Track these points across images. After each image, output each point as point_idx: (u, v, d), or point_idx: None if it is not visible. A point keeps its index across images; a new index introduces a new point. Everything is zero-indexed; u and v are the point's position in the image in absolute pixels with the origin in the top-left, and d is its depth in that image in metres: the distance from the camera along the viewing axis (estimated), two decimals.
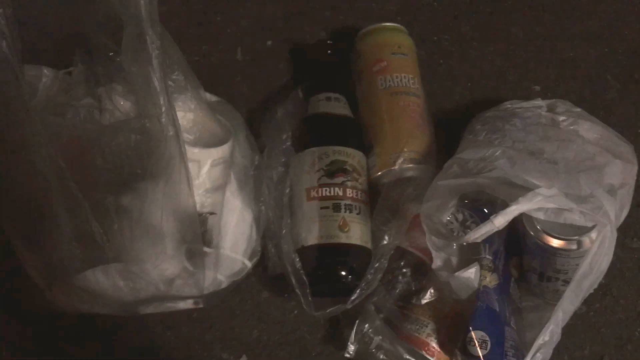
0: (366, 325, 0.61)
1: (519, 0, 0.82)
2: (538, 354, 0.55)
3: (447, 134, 0.72)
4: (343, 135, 0.68)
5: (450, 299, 0.60)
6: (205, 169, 0.57)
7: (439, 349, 0.60)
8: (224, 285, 0.61)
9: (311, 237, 0.63)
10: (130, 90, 0.54)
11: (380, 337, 0.61)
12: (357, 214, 0.64)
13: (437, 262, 0.58)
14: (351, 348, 0.62)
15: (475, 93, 0.78)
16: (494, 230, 0.52)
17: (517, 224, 0.60)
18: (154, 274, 0.54)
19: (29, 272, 0.58)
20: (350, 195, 0.64)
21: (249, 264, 0.63)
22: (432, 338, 0.60)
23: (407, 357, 0.60)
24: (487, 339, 0.56)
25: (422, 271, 0.63)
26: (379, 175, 0.67)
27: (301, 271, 0.61)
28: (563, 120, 0.65)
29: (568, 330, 0.59)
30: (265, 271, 0.67)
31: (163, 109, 0.48)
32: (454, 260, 0.60)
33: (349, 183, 0.65)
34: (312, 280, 0.61)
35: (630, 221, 0.67)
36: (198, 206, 0.55)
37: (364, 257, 0.63)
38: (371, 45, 0.73)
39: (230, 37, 0.82)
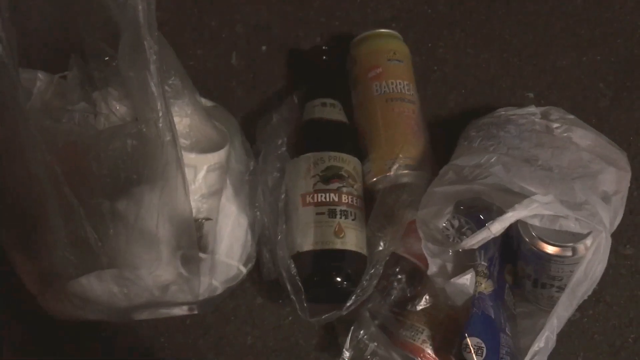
0: (361, 332, 0.61)
1: (513, 9, 0.83)
2: None
3: (442, 141, 0.72)
4: (339, 141, 0.68)
5: (445, 305, 0.61)
6: (201, 174, 0.57)
7: (434, 356, 0.60)
8: (219, 291, 0.61)
9: (306, 243, 0.63)
10: (126, 95, 0.54)
11: (376, 344, 0.61)
12: (353, 220, 0.64)
13: (432, 269, 0.59)
14: (346, 354, 0.62)
15: (470, 100, 0.78)
16: (491, 237, 0.52)
17: (511, 230, 0.60)
18: (148, 280, 0.54)
19: (21, 277, 0.57)
20: (346, 201, 0.64)
21: (244, 270, 0.63)
22: (427, 344, 0.60)
23: None
24: (483, 345, 0.56)
25: (417, 277, 0.63)
26: (374, 181, 0.67)
27: (296, 277, 0.61)
28: (557, 128, 0.66)
29: (562, 336, 0.59)
30: (259, 277, 0.67)
31: (160, 114, 0.48)
32: (449, 266, 0.60)
33: (344, 189, 0.65)
34: (307, 286, 0.61)
35: (623, 228, 0.67)
36: (194, 212, 0.55)
37: (360, 263, 0.63)
38: (366, 52, 0.73)
39: (225, 42, 0.81)
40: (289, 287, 0.61)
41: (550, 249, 0.56)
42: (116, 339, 0.65)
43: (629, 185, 0.65)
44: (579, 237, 0.55)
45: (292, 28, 0.82)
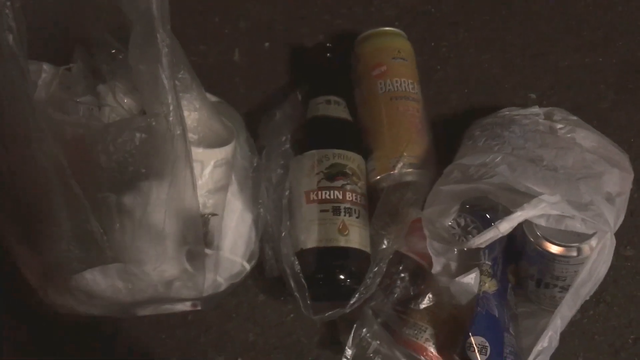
0: (364, 330, 0.61)
1: (515, 10, 0.83)
2: None
3: (444, 140, 0.72)
4: (343, 138, 0.68)
5: (449, 304, 0.61)
6: (208, 169, 0.57)
7: (437, 354, 0.60)
8: (222, 288, 0.61)
9: (310, 240, 0.62)
10: (132, 87, 0.54)
11: (378, 342, 0.61)
12: (357, 217, 0.64)
13: (436, 267, 0.59)
14: (349, 352, 0.61)
15: (472, 99, 0.78)
16: (499, 236, 0.52)
17: (515, 230, 0.60)
18: (153, 275, 0.54)
19: (23, 272, 0.57)
20: (350, 199, 0.64)
21: (247, 267, 0.62)
22: (430, 343, 0.60)
23: None
24: (487, 344, 0.56)
25: (420, 276, 0.63)
26: (378, 179, 0.67)
27: (300, 274, 0.60)
28: (560, 128, 0.66)
29: (562, 337, 0.59)
30: (261, 274, 0.66)
31: (171, 107, 0.47)
32: (453, 265, 0.60)
33: (348, 186, 0.64)
34: (311, 283, 0.61)
35: (624, 229, 0.67)
36: (200, 207, 0.55)
37: (363, 261, 0.63)
38: (371, 50, 0.73)
39: (228, 38, 0.81)
40: (292, 285, 0.60)
41: (555, 249, 0.56)
42: (117, 335, 0.65)
43: (630, 186, 0.65)
44: (583, 237, 0.56)
45: (295, 25, 0.82)
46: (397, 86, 0.70)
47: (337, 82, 0.73)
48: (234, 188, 0.61)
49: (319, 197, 0.64)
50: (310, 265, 0.62)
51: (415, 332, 0.60)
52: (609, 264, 0.57)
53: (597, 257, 0.54)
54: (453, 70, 0.80)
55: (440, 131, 0.74)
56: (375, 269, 0.62)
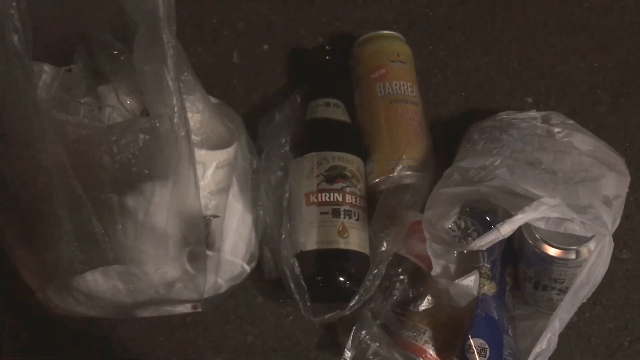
0: (363, 332, 0.61)
1: (512, 14, 0.83)
2: None
3: (442, 143, 0.73)
4: (343, 141, 0.68)
5: (447, 306, 0.61)
6: (210, 171, 0.57)
7: (436, 356, 0.60)
8: (223, 290, 0.61)
9: (310, 242, 0.63)
10: (135, 88, 0.53)
11: (377, 344, 0.61)
12: (356, 220, 0.64)
13: (436, 269, 0.59)
14: (348, 354, 0.62)
15: (470, 102, 0.79)
16: (500, 238, 0.53)
17: (514, 233, 0.60)
18: (154, 276, 0.54)
19: (22, 273, 0.56)
20: (350, 201, 0.64)
21: (247, 268, 0.62)
22: (429, 345, 0.60)
23: None
24: (486, 346, 0.56)
25: (419, 278, 0.64)
26: (377, 182, 0.67)
27: (300, 276, 0.61)
28: (558, 132, 0.67)
29: (559, 339, 0.60)
30: (260, 276, 0.66)
31: (175, 109, 0.47)
32: (452, 267, 0.60)
33: (348, 189, 0.65)
34: (310, 285, 0.61)
35: (619, 233, 0.67)
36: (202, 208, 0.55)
37: (363, 263, 0.63)
38: (370, 52, 0.73)
39: (226, 39, 0.81)
40: (292, 287, 0.61)
41: (553, 252, 0.57)
42: (115, 337, 0.65)
43: (627, 190, 0.66)
44: (582, 240, 0.56)
45: (293, 27, 0.82)
46: (396, 89, 0.70)
47: (337, 85, 0.73)
48: (234, 190, 0.61)
49: (319, 200, 0.64)
50: (309, 267, 0.62)
51: (415, 334, 0.61)
52: (606, 266, 0.57)
53: (596, 259, 0.55)
54: (451, 73, 0.80)
55: (438, 134, 0.74)
56: (375, 271, 0.62)
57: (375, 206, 0.67)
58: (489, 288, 0.59)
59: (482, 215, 0.61)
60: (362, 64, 0.73)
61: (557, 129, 0.67)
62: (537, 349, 0.55)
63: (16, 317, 0.64)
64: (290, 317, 0.66)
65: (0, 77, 0.44)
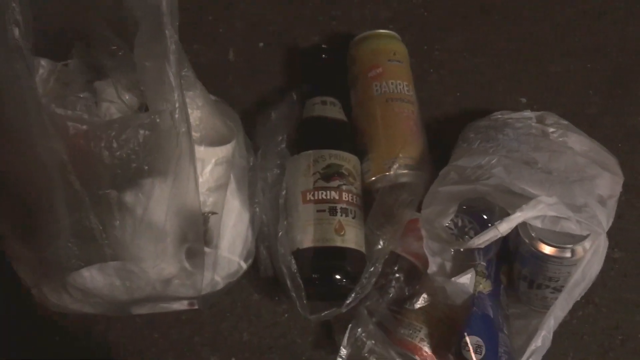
0: (359, 329, 0.61)
1: (507, 16, 0.84)
2: (531, 359, 0.55)
3: (437, 142, 0.73)
4: (339, 139, 0.68)
5: (443, 304, 0.61)
6: (209, 167, 0.57)
7: (431, 354, 0.60)
8: (220, 287, 0.60)
9: (307, 239, 0.63)
10: (133, 84, 0.53)
11: (373, 342, 0.61)
12: (353, 217, 0.64)
13: (432, 267, 0.59)
14: (344, 352, 0.62)
15: (465, 102, 0.79)
16: (498, 236, 0.53)
17: (509, 231, 0.61)
18: (152, 273, 0.53)
19: (17, 269, 0.56)
20: (346, 199, 0.64)
21: (244, 266, 0.62)
22: (425, 343, 0.60)
23: None
24: (482, 344, 0.56)
25: (415, 276, 0.64)
26: (373, 180, 0.67)
27: (297, 274, 0.61)
28: (553, 132, 0.67)
29: (553, 337, 0.60)
30: (256, 274, 0.66)
31: (177, 104, 0.47)
32: (448, 265, 0.61)
33: (344, 187, 0.65)
34: (307, 282, 0.61)
35: (612, 232, 0.68)
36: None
37: (359, 260, 0.63)
38: (367, 51, 0.73)
39: (222, 37, 0.81)
40: (289, 284, 0.61)
41: (549, 250, 0.57)
42: (110, 335, 0.64)
43: (621, 190, 0.66)
44: (577, 239, 0.57)
45: (289, 26, 0.82)
46: (392, 88, 0.70)
47: (333, 83, 0.73)
48: (232, 187, 0.61)
49: (316, 197, 0.64)
50: (306, 264, 0.62)
51: (410, 331, 0.61)
52: (601, 264, 0.58)
53: (591, 258, 0.55)
54: (446, 73, 0.81)
55: (433, 133, 0.74)
56: (371, 269, 0.62)
57: (372, 204, 0.67)
58: (485, 286, 0.60)
59: (479, 213, 0.61)
60: (359, 63, 0.73)
61: (551, 129, 0.67)
62: (532, 347, 0.55)
63: (9, 315, 0.63)
64: (286, 315, 0.66)
65: (0, 71, 0.44)
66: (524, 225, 0.58)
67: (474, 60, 0.82)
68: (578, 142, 0.67)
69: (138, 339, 0.65)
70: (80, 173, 0.48)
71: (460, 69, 0.81)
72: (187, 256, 0.55)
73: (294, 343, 0.66)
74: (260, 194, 0.65)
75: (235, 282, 0.64)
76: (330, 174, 0.65)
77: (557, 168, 0.61)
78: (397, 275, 0.64)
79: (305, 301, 0.61)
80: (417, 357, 0.60)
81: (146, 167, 0.49)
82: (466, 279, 0.57)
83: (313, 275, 0.62)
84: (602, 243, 0.55)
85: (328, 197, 0.64)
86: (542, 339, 0.56)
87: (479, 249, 0.59)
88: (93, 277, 0.53)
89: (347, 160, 0.67)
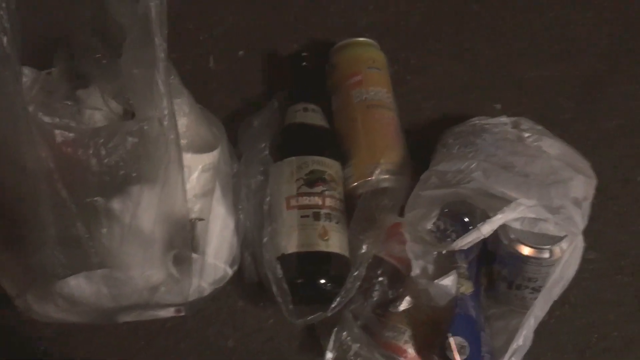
0: (344, 333, 0.62)
1: (481, 24, 0.86)
2: (513, 358, 0.57)
3: (416, 147, 0.74)
4: (322, 145, 0.69)
5: (426, 306, 0.62)
6: (195, 174, 0.57)
7: (416, 355, 0.61)
8: (206, 293, 0.61)
9: (291, 245, 0.63)
10: (116, 92, 0.53)
11: (359, 345, 0.62)
12: (337, 223, 0.65)
13: (415, 270, 0.60)
14: (329, 356, 0.62)
15: (442, 109, 0.81)
16: (481, 238, 0.54)
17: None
18: (139, 280, 0.53)
19: (0, 279, 0.55)
20: (330, 205, 0.65)
21: (230, 271, 0.63)
22: (410, 344, 0.61)
23: None
24: (466, 344, 0.58)
25: (398, 280, 0.65)
26: (356, 185, 0.68)
27: (282, 279, 0.61)
28: (528, 137, 0.69)
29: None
30: (241, 280, 0.67)
31: (166, 112, 0.47)
32: (430, 268, 0.62)
33: (327, 192, 0.66)
34: (292, 287, 0.62)
35: (586, 234, 0.70)
36: None
37: (344, 265, 0.64)
38: (347, 59, 0.74)
39: (202, 45, 0.81)
40: (275, 289, 0.61)
41: (528, 251, 0.59)
42: (94, 343, 0.64)
43: (594, 192, 0.68)
44: (554, 240, 0.58)
45: (269, 33, 0.83)
46: (372, 95, 0.72)
47: (314, 90, 0.74)
48: (217, 193, 0.62)
49: (300, 203, 0.65)
50: (291, 270, 0.62)
51: (395, 334, 0.62)
52: (577, 265, 0.60)
53: (569, 258, 0.57)
54: (423, 80, 0.82)
55: (412, 139, 0.76)
56: (356, 273, 0.63)
57: (354, 209, 0.68)
58: (467, 288, 0.61)
59: (461, 216, 0.62)
60: (339, 70, 0.74)
61: (526, 134, 0.69)
62: (514, 346, 0.57)
63: None
64: (271, 321, 0.67)
65: None
66: (503, 227, 0.59)
67: (450, 68, 0.84)
68: (552, 146, 0.68)
69: (123, 347, 0.64)
70: (67, 181, 0.48)
71: (437, 76, 0.83)
72: (174, 263, 0.55)
73: (280, 348, 0.66)
74: (244, 201, 0.65)
75: (221, 288, 0.64)
76: (314, 180, 0.66)
77: (533, 172, 0.63)
78: (380, 278, 0.65)
79: (291, 306, 0.61)
80: (402, 358, 0.61)
81: (134, 174, 0.49)
82: (449, 281, 0.58)
83: (298, 280, 0.62)
84: (579, 244, 0.57)
85: (312, 202, 0.65)
86: (523, 338, 0.57)
87: (460, 251, 0.60)
88: (80, 285, 0.52)
89: (330, 166, 0.67)
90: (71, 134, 0.47)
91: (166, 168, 0.49)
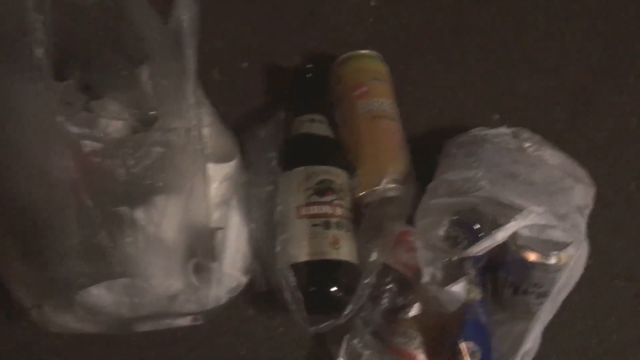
0: (355, 340, 0.63)
1: (474, 38, 0.88)
2: None
3: (416, 157, 0.76)
4: (329, 155, 0.70)
5: (435, 312, 0.63)
6: (215, 184, 0.58)
7: None
8: (223, 301, 0.61)
9: (302, 254, 0.64)
10: (132, 102, 0.54)
11: (370, 351, 0.63)
12: (346, 231, 0.66)
13: (426, 277, 0.61)
14: None
15: (441, 120, 0.82)
16: (495, 244, 0.56)
17: None
18: (160, 289, 0.54)
19: (16, 291, 0.55)
20: (339, 213, 0.66)
21: (244, 280, 0.63)
22: (420, 351, 0.62)
23: None
24: (477, 349, 0.59)
25: (406, 287, 0.66)
26: (363, 195, 0.70)
27: (296, 287, 0.62)
28: (528, 147, 0.71)
29: None
30: (250, 289, 0.67)
31: (194, 122, 0.48)
32: (440, 275, 0.63)
33: (336, 202, 0.67)
34: (305, 296, 0.62)
35: None
36: None
37: (354, 272, 0.65)
38: (351, 71, 0.76)
39: (206, 57, 0.82)
40: (288, 298, 0.62)
41: (536, 258, 0.60)
42: (106, 354, 0.64)
43: (593, 200, 0.71)
44: (561, 246, 0.60)
45: (271, 46, 0.84)
46: (377, 106, 0.73)
47: (319, 102, 0.75)
48: (232, 203, 0.62)
49: (310, 212, 0.65)
50: (303, 278, 0.63)
51: (406, 340, 0.63)
52: (581, 270, 0.62)
53: (575, 264, 0.59)
54: (422, 91, 0.84)
55: (413, 149, 0.77)
56: (366, 281, 0.64)
57: (361, 218, 0.69)
58: (476, 294, 0.62)
59: (470, 223, 0.64)
60: (344, 83, 0.75)
61: (527, 144, 0.71)
62: (524, 349, 0.58)
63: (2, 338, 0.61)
64: (281, 329, 0.67)
65: (21, 90, 0.44)
66: (511, 234, 0.61)
67: (447, 80, 0.85)
68: (552, 156, 0.71)
69: (135, 358, 0.64)
70: (92, 190, 0.48)
71: (435, 87, 0.85)
72: (195, 271, 0.55)
73: (290, 356, 0.67)
74: (254, 210, 0.66)
75: (235, 297, 0.65)
76: (324, 189, 0.67)
77: (536, 180, 0.65)
78: (389, 286, 0.66)
79: (304, 314, 0.62)
80: None
81: (160, 184, 0.49)
82: (459, 288, 0.60)
83: (311, 289, 0.63)
84: (584, 250, 0.59)
85: (322, 211, 0.66)
86: (532, 341, 0.59)
87: (469, 258, 0.62)
88: (101, 295, 0.53)
89: (338, 176, 0.69)
90: (99, 144, 0.47)
91: (193, 178, 0.50)
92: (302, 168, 0.68)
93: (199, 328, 0.66)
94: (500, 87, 0.86)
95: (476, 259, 0.63)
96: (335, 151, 0.71)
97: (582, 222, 0.61)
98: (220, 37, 0.84)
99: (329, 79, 0.78)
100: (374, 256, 0.65)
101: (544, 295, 0.63)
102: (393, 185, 0.69)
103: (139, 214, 0.50)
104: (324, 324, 0.63)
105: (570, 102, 0.85)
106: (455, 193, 0.61)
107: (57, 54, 0.55)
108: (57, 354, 0.63)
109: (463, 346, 0.59)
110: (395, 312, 0.65)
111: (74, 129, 0.46)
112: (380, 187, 0.69)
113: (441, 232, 0.60)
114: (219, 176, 0.58)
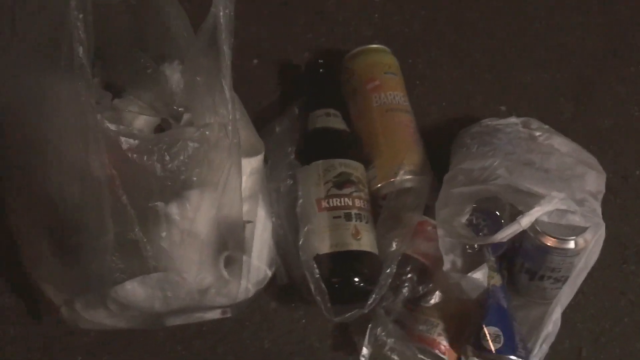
0: (379, 329, 0.64)
1: (478, 32, 0.90)
2: (544, 345, 0.60)
3: (430, 149, 0.77)
4: (346, 148, 0.71)
5: (456, 299, 0.65)
6: (244, 177, 0.58)
7: (449, 347, 0.64)
8: (251, 294, 0.62)
9: (324, 246, 0.65)
10: (156, 98, 0.54)
11: (393, 340, 0.64)
12: (366, 222, 0.67)
13: (447, 265, 0.63)
14: (365, 352, 0.64)
15: (450, 112, 0.84)
16: (520, 230, 0.57)
17: None
18: (192, 283, 0.54)
19: (45, 289, 0.56)
20: (359, 205, 0.67)
21: (270, 273, 0.64)
22: (443, 337, 0.64)
23: (420, 356, 0.63)
24: (500, 333, 0.60)
25: (426, 275, 0.67)
26: (380, 187, 0.71)
27: (320, 279, 0.63)
28: (539, 136, 0.73)
29: None
30: (272, 281, 0.68)
31: (230, 117, 0.49)
32: (460, 262, 0.64)
33: (355, 194, 0.68)
34: (329, 287, 0.63)
35: None
36: None
37: (376, 263, 0.66)
38: (364, 65, 0.77)
39: None
40: (313, 289, 0.63)
41: (554, 243, 0.62)
42: (131, 349, 0.64)
43: (604, 186, 0.72)
44: (579, 230, 0.62)
45: (281, 43, 0.85)
46: (390, 99, 0.74)
47: (333, 96, 0.76)
48: (259, 196, 0.63)
49: (330, 205, 0.66)
50: (326, 270, 0.64)
51: (428, 327, 0.64)
52: (598, 254, 0.63)
53: (593, 248, 0.60)
54: (430, 85, 0.86)
55: (424, 141, 0.78)
56: (388, 270, 0.65)
57: (378, 210, 0.70)
58: (496, 280, 0.64)
59: (491, 211, 0.65)
60: (357, 76, 0.76)
61: (537, 133, 0.73)
62: (545, 332, 0.60)
63: (28, 329, 0.62)
64: (303, 321, 0.68)
65: (60, 89, 0.44)
66: None
67: (454, 73, 0.87)
68: (562, 144, 0.72)
69: (161, 353, 0.65)
70: (127, 187, 0.49)
71: (442, 81, 0.86)
72: (225, 264, 0.56)
73: (313, 347, 0.68)
74: (274, 204, 0.67)
75: (262, 290, 0.65)
76: (342, 181, 0.68)
77: (551, 167, 0.66)
78: (409, 275, 0.67)
79: (329, 304, 0.63)
80: (436, 351, 0.63)
81: (195, 179, 0.50)
82: (480, 274, 0.61)
83: (334, 280, 0.64)
84: (602, 233, 0.60)
85: (342, 203, 0.67)
86: (553, 324, 0.60)
87: (490, 245, 0.63)
88: (134, 290, 0.53)
89: (355, 169, 0.70)
90: (136, 141, 0.48)
91: (228, 173, 0.51)
92: (320, 162, 0.69)
93: (223, 322, 0.67)
94: (505, 79, 0.88)
95: (495, 246, 0.64)
96: (351, 144, 0.73)
97: (598, 207, 0.62)
98: None
99: (339, 74, 0.79)
100: (393, 246, 0.66)
101: (560, 280, 0.65)
102: (409, 177, 0.70)
103: (173, 209, 0.51)
104: (348, 314, 0.64)
105: (574, 93, 0.87)
106: (474, 182, 0.62)
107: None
108: (86, 351, 0.63)
109: (486, 331, 0.60)
110: (416, 301, 0.66)
111: (112, 126, 0.47)
112: (397, 178, 0.70)
113: (464, 219, 0.61)
114: (247, 170, 0.59)
